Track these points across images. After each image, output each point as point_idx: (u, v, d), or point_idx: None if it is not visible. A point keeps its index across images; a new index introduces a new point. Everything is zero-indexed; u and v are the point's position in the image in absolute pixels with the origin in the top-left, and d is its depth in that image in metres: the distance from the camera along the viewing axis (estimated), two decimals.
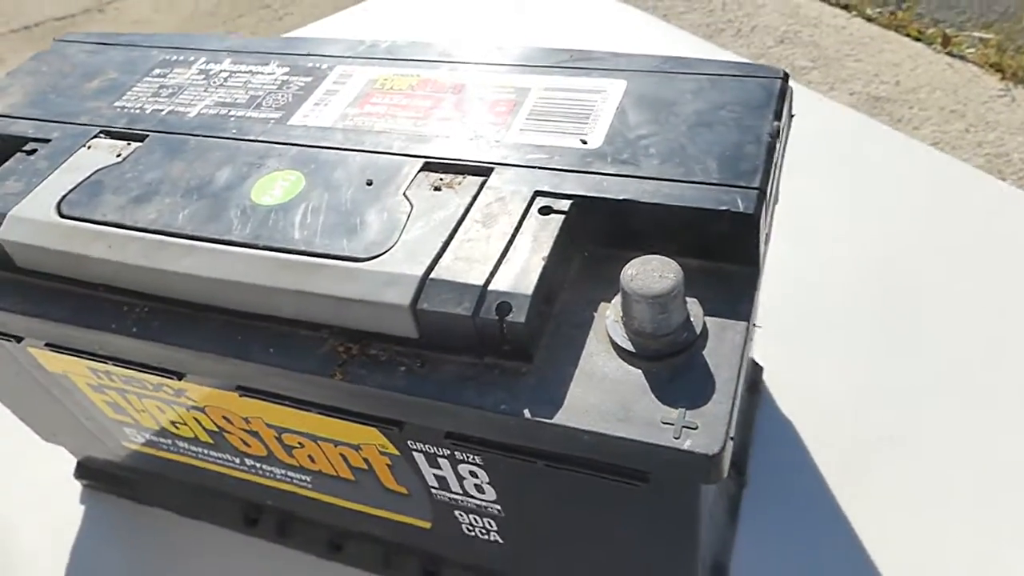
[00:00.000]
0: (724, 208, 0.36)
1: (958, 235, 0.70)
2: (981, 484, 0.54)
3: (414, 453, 0.40)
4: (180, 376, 0.42)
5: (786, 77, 0.42)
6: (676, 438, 0.31)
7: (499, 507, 0.42)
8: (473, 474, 0.40)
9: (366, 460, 0.43)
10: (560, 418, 0.33)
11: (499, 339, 0.34)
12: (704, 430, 0.31)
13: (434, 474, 0.41)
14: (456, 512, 0.44)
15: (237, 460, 0.50)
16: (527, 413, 0.33)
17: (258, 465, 0.50)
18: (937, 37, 1.71)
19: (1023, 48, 1.64)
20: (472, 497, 0.42)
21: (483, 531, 0.45)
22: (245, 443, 0.48)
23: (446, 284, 0.35)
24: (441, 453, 0.39)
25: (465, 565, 0.52)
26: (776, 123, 0.40)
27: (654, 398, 0.33)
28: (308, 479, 0.49)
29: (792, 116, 0.44)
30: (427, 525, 0.47)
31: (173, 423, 0.50)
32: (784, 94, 0.41)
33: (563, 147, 0.41)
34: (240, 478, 0.53)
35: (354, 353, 0.37)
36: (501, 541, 0.45)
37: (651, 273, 0.33)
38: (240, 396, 0.41)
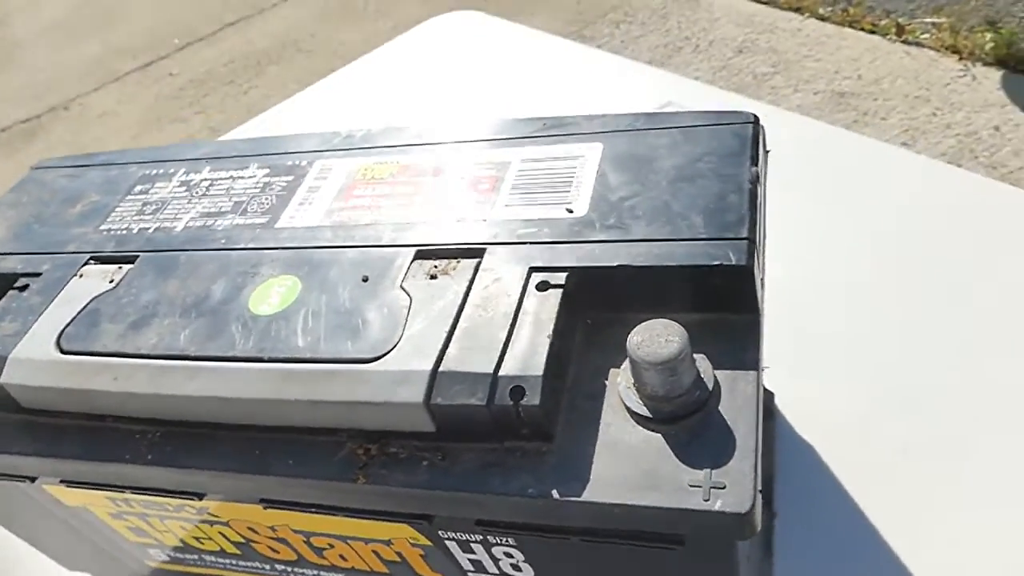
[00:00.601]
0: (716, 263, 0.36)
1: (946, 235, 0.71)
2: (996, 482, 0.54)
3: (446, 542, 0.40)
4: (200, 497, 0.42)
5: (756, 120, 0.43)
6: (706, 500, 0.31)
7: None
8: (508, 555, 0.40)
9: (399, 553, 0.43)
10: (588, 495, 0.33)
11: (517, 423, 0.34)
12: (732, 488, 0.31)
13: (468, 559, 0.41)
14: None
15: (267, 567, 0.50)
16: (555, 494, 0.33)
17: (289, 569, 0.49)
18: (891, 28, 1.75)
19: (975, 28, 1.67)
20: None
21: None
22: (274, 550, 0.47)
23: (456, 376, 0.35)
24: (474, 539, 0.39)
25: None
26: (754, 168, 0.41)
27: (678, 462, 0.33)
28: None
29: (767, 152, 0.45)
30: None
31: (197, 539, 0.49)
32: (757, 137, 0.42)
33: (550, 218, 0.41)
34: None
35: (373, 454, 0.37)
36: None
37: (656, 339, 0.33)
38: (264, 509, 0.41)
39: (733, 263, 0.36)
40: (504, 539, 0.38)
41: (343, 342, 0.38)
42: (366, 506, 0.38)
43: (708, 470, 0.32)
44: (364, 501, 0.38)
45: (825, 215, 0.76)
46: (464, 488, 0.35)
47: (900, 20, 1.82)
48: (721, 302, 0.37)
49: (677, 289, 0.38)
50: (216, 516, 0.46)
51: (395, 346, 0.37)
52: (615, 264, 0.38)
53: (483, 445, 0.36)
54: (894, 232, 0.73)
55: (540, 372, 0.34)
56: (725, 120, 0.43)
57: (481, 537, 0.39)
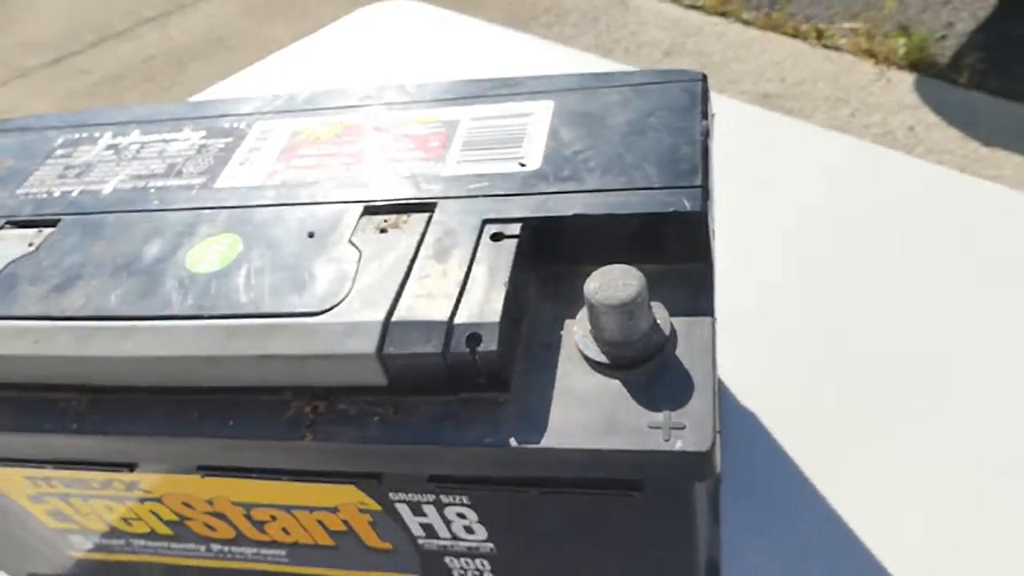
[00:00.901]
0: (672, 210, 0.36)
1: (888, 211, 0.74)
2: (939, 450, 0.56)
3: (396, 505, 0.39)
4: (132, 467, 0.39)
5: (705, 78, 0.43)
6: (666, 440, 0.31)
7: (491, 545, 0.41)
8: (461, 515, 0.39)
9: (345, 522, 0.41)
10: (548, 441, 0.32)
11: (473, 372, 0.34)
12: (691, 428, 0.31)
13: (420, 523, 0.40)
14: (446, 559, 0.43)
15: (202, 548, 0.47)
16: (513, 442, 0.32)
17: (226, 549, 0.47)
18: (811, 32, 1.82)
19: (890, 33, 1.76)
20: (462, 540, 0.41)
21: (476, 573, 0.43)
22: (210, 527, 0.45)
23: (410, 325, 0.34)
24: (426, 500, 0.38)
25: None
26: (704, 122, 0.41)
27: (637, 405, 0.33)
28: (283, 553, 0.46)
29: (713, 115, 0.45)
30: None
31: (125, 520, 0.46)
32: (706, 94, 0.43)
33: (503, 173, 0.41)
34: (207, 567, 0.49)
35: (321, 412, 0.35)
36: None
37: (614, 282, 0.33)
38: (202, 477, 0.39)
39: (688, 209, 0.36)
40: (458, 498, 0.37)
41: (289, 296, 0.37)
42: (313, 466, 0.36)
43: (667, 412, 0.32)
44: (311, 461, 0.36)
45: (763, 195, 0.78)
46: (417, 441, 0.33)
47: (819, 26, 1.90)
48: (675, 251, 0.37)
49: (632, 239, 0.37)
50: (148, 492, 0.43)
51: (345, 298, 0.36)
52: (570, 214, 0.37)
53: (438, 398, 0.35)
54: (833, 209, 0.75)
55: (497, 318, 0.33)
56: (673, 78, 0.43)
57: (434, 497, 0.38)
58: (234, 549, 0.47)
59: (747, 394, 0.61)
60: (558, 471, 0.33)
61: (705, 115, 0.42)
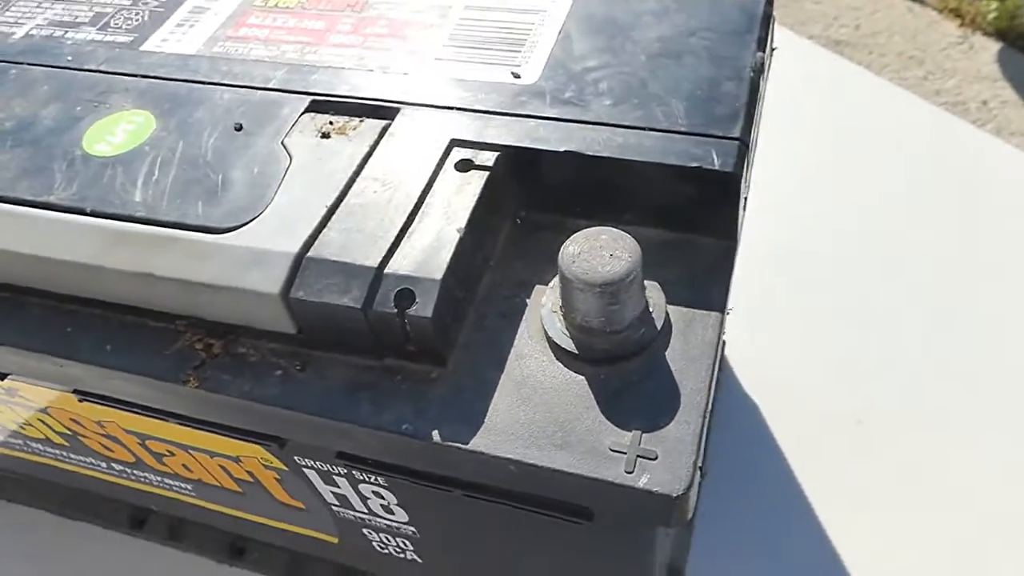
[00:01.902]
0: (695, 164, 0.28)
1: (942, 197, 0.64)
2: (954, 471, 0.48)
3: (304, 470, 0.32)
4: (2, 376, 0.33)
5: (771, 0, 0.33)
6: (628, 472, 0.24)
7: (413, 529, 0.34)
8: (378, 495, 0.32)
9: (250, 473, 0.35)
10: (478, 443, 0.25)
11: (400, 337, 0.26)
12: (665, 460, 0.24)
13: (331, 492, 0.33)
14: (364, 530, 0.37)
15: (103, 464, 0.42)
16: (436, 435, 0.25)
17: (128, 471, 0.41)
18: None
19: None
20: (380, 517, 0.34)
21: (398, 550, 0.37)
22: (106, 448, 0.39)
23: (329, 265, 0.26)
24: (336, 471, 0.31)
25: None
26: (760, 54, 0.32)
27: (601, 415, 0.25)
28: (189, 487, 0.40)
29: (774, 50, 0.36)
30: (334, 540, 0.40)
31: (19, 424, 0.41)
32: (768, 19, 0.33)
33: (490, 82, 0.32)
34: (112, 482, 0.44)
35: (216, 352, 0.28)
36: (420, 561, 0.38)
37: (599, 252, 0.25)
38: (79, 401, 0.32)
39: (716, 168, 0.28)
40: (373, 477, 0.30)
41: (192, 203, 0.29)
42: (199, 415, 0.29)
43: (638, 432, 0.24)
44: (197, 409, 0.29)
45: (811, 153, 0.68)
46: (323, 412, 0.26)
47: None
48: (692, 218, 0.29)
49: (638, 193, 0.29)
50: (30, 401, 0.37)
51: (257, 216, 0.28)
52: (562, 149, 0.29)
53: (356, 359, 0.27)
54: (888, 181, 0.65)
55: (439, 275, 0.26)
56: None
57: (346, 471, 0.31)
58: (137, 472, 0.41)
59: (755, 384, 0.53)
60: (487, 479, 0.26)
61: (763, 45, 0.32)
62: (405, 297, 0.25)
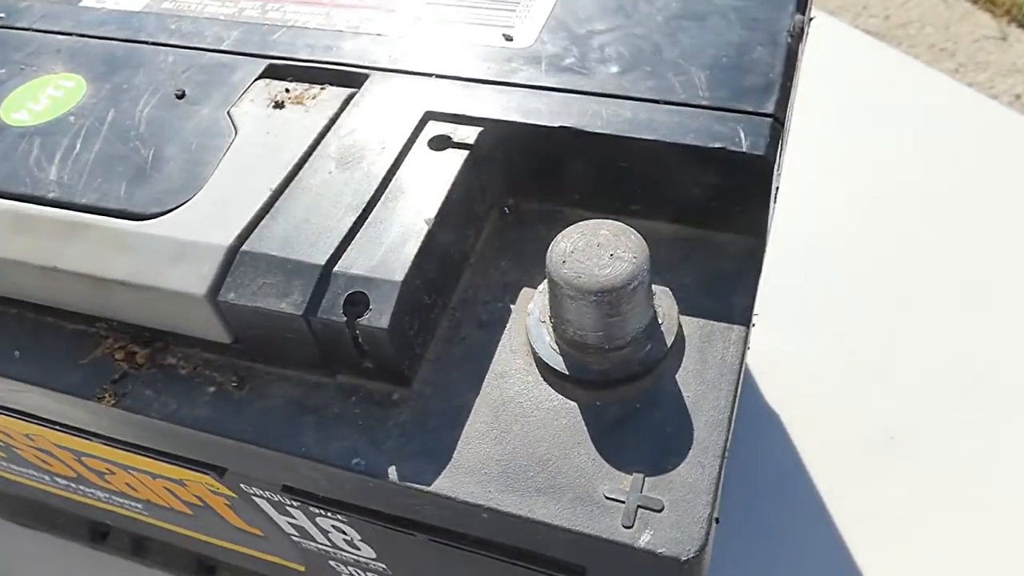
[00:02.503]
0: (719, 145, 0.23)
1: (985, 190, 0.58)
2: (990, 494, 0.43)
3: (254, 498, 0.28)
4: None
5: None
6: (627, 527, 0.19)
7: (383, 566, 0.30)
8: (339, 529, 0.27)
9: (198, 497, 0.31)
10: (443, 484, 0.20)
11: (353, 351, 0.21)
12: (673, 513, 0.19)
13: (288, 522, 0.29)
14: (331, 562, 0.32)
15: (47, 478, 0.37)
16: (392, 473, 0.20)
17: (73, 485, 0.37)
18: None
19: None
20: (345, 551, 0.30)
21: None
22: (44, 462, 0.35)
23: (267, 261, 0.22)
24: (288, 503, 0.27)
25: None
26: (799, 16, 0.27)
27: (595, 452, 0.20)
28: (140, 506, 0.36)
29: (812, 18, 0.30)
30: (301, 568, 0.35)
31: None
32: None
33: (476, 46, 0.27)
34: (61, 495, 0.40)
35: (140, 362, 0.24)
36: None
37: (596, 250, 0.20)
38: None
39: (744, 150, 0.22)
40: (328, 512, 0.26)
41: (115, 183, 0.24)
42: (122, 437, 0.25)
43: (640, 475, 0.20)
44: (118, 430, 0.25)
45: (841, 144, 0.62)
46: (260, 441, 0.22)
47: None
48: (712, 211, 0.24)
49: (648, 179, 0.24)
50: None
51: (188, 200, 0.23)
52: (557, 124, 0.24)
53: (304, 375, 0.23)
54: (923, 169, 0.60)
55: (400, 275, 0.21)
56: None
57: (297, 502, 0.26)
58: (83, 488, 0.37)
59: (777, 393, 0.48)
60: (456, 526, 0.21)
61: (802, 7, 0.27)
62: (356, 302, 0.21)
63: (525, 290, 0.24)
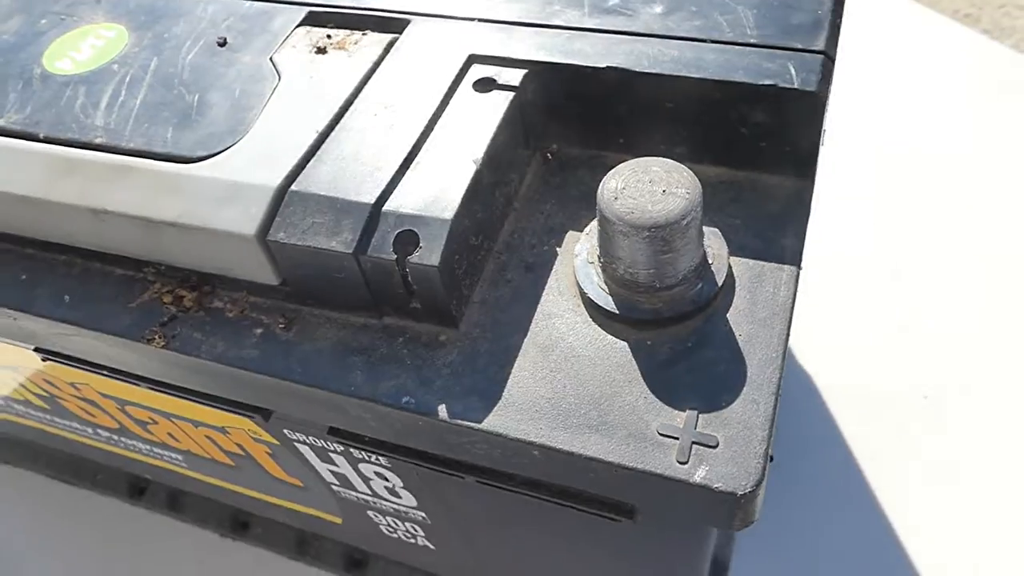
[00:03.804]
0: (769, 83, 0.22)
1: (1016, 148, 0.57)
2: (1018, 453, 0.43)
3: (297, 445, 0.28)
4: None
5: None
6: (681, 463, 0.19)
7: (423, 515, 0.30)
8: (381, 475, 0.28)
9: (239, 445, 0.31)
10: (494, 422, 0.20)
11: (402, 291, 0.21)
12: (728, 449, 0.19)
13: (329, 470, 0.29)
14: (369, 512, 0.32)
15: (89, 430, 0.38)
16: (443, 411, 0.20)
17: (115, 438, 0.37)
18: None
19: None
20: (385, 500, 0.30)
21: (408, 535, 0.33)
22: (87, 412, 0.35)
23: (316, 201, 0.22)
24: (332, 448, 0.27)
25: (393, 561, 0.41)
26: None
27: (647, 390, 0.20)
28: (180, 458, 0.36)
29: None
30: (338, 520, 0.36)
31: None
32: None
33: None
34: (103, 449, 0.40)
35: (188, 305, 0.24)
36: (432, 548, 0.34)
37: (649, 186, 0.20)
38: (43, 360, 0.28)
39: (796, 86, 0.22)
40: (373, 456, 0.26)
41: (161, 128, 0.24)
42: (169, 380, 0.25)
43: (694, 413, 0.19)
44: (165, 373, 0.25)
45: (879, 102, 0.61)
46: (309, 381, 0.22)
47: None
48: (761, 152, 0.24)
49: (695, 120, 0.24)
50: None
51: (235, 144, 0.23)
52: (603, 65, 0.24)
53: (350, 317, 0.23)
54: (961, 129, 0.58)
55: (450, 214, 0.21)
56: None
57: (343, 448, 0.26)
58: (125, 440, 0.37)
59: (809, 352, 0.47)
60: (506, 466, 0.21)
61: None
62: (407, 241, 0.21)
63: (571, 233, 0.24)
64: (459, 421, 0.20)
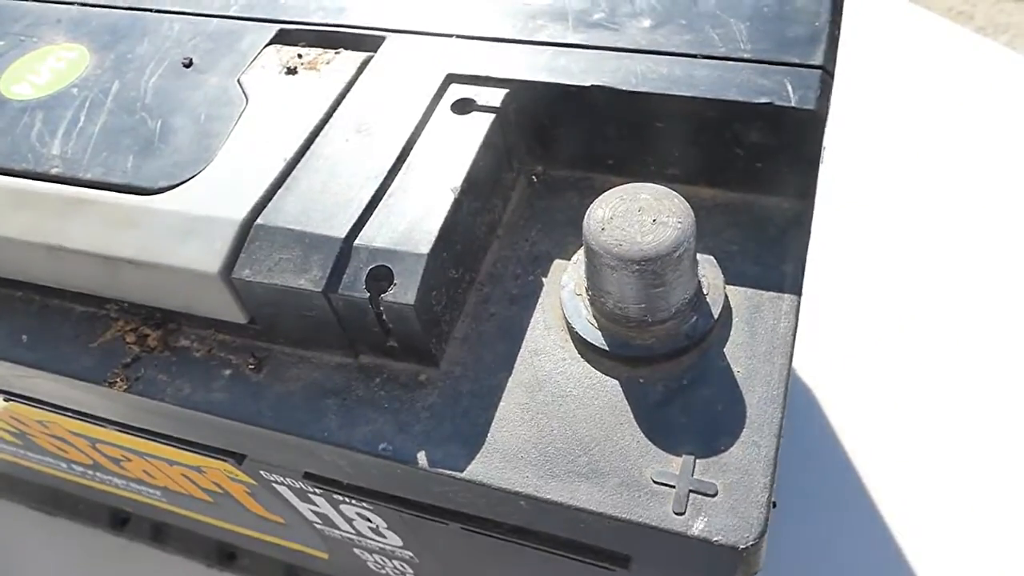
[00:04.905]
0: (765, 101, 0.21)
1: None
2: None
3: (275, 485, 0.27)
4: None
5: None
6: (678, 513, 0.17)
7: (410, 554, 0.29)
8: (363, 516, 0.26)
9: (216, 484, 0.30)
10: (477, 470, 0.19)
11: (377, 330, 0.20)
12: (728, 497, 0.18)
13: (310, 509, 0.28)
14: (355, 549, 0.31)
15: (64, 464, 0.37)
16: (422, 459, 0.19)
17: (91, 472, 0.36)
18: None
19: None
20: (370, 539, 0.29)
21: (396, 571, 0.32)
22: (60, 449, 0.34)
23: (283, 235, 0.20)
24: (311, 490, 0.26)
25: None
26: None
27: (640, 433, 0.19)
28: (158, 493, 0.35)
29: None
30: (324, 556, 0.34)
31: None
32: None
33: (497, 1, 0.25)
34: (78, 483, 0.39)
35: (152, 345, 0.23)
36: None
37: (638, 215, 0.18)
38: (4, 400, 0.27)
39: (793, 104, 0.21)
40: (352, 499, 0.25)
41: (121, 157, 0.23)
42: (134, 423, 0.24)
43: (690, 458, 0.18)
44: (130, 416, 0.23)
45: (876, 103, 0.60)
46: (280, 426, 0.20)
47: None
48: (757, 173, 0.22)
49: (688, 140, 0.22)
50: None
51: (198, 173, 0.22)
52: (589, 84, 0.22)
53: (324, 356, 0.21)
54: (965, 133, 0.57)
55: (426, 248, 0.19)
56: None
57: (320, 490, 0.25)
58: (100, 475, 0.36)
59: (809, 366, 0.46)
60: (491, 514, 0.20)
61: None
62: (380, 277, 0.19)
63: (557, 262, 0.22)
64: (439, 470, 0.19)
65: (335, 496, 0.25)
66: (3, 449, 0.39)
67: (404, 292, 0.19)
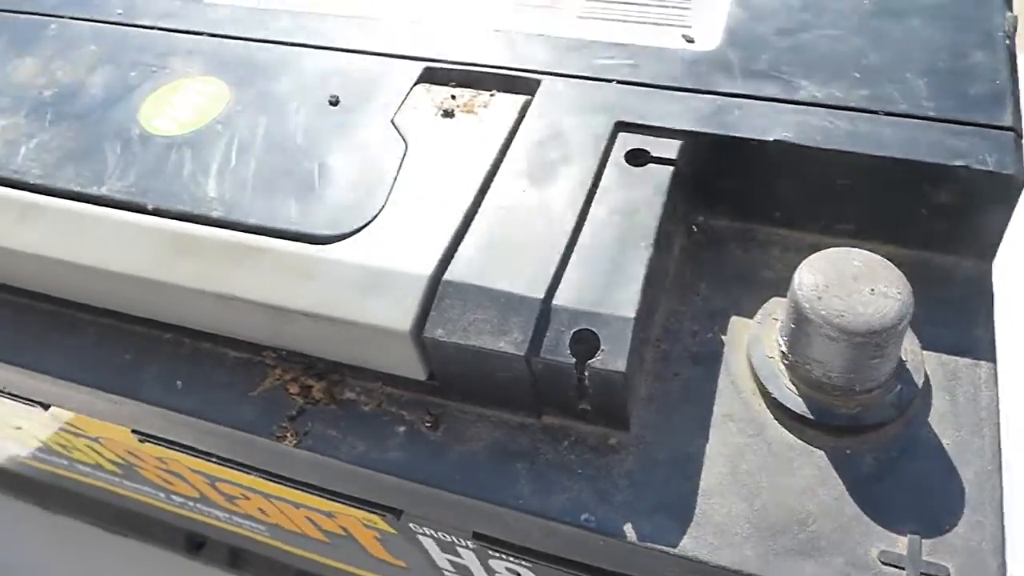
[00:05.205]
0: (960, 164, 0.20)
1: None
2: None
3: (419, 537, 0.26)
4: (45, 407, 0.27)
5: None
6: None
7: None
8: (513, 571, 0.26)
9: (344, 528, 0.29)
10: (691, 545, 0.18)
11: (573, 393, 0.19)
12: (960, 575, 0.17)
13: (450, 560, 0.27)
14: None
15: (162, 495, 0.36)
16: (630, 533, 0.19)
17: (190, 503, 0.35)
18: None
19: None
20: None
21: None
22: (168, 482, 0.33)
23: (475, 292, 0.20)
24: (463, 545, 0.25)
25: None
26: (1011, 14, 0.24)
27: (857, 509, 0.18)
28: (263, 528, 0.34)
29: (1015, 16, 0.28)
30: None
31: (63, 446, 0.35)
32: None
33: (656, 47, 0.25)
34: (170, 511, 0.38)
35: (316, 397, 0.22)
36: None
37: (852, 284, 0.18)
38: (140, 441, 0.26)
39: (992, 168, 0.20)
40: (513, 557, 0.24)
41: (282, 200, 0.22)
42: (295, 476, 0.23)
43: (916, 537, 0.18)
44: (293, 470, 0.23)
45: None
46: (468, 491, 0.20)
47: None
48: (940, 232, 0.22)
49: (868, 198, 0.22)
50: (79, 429, 0.31)
51: (371, 221, 0.21)
52: (771, 139, 0.22)
53: (504, 415, 0.21)
54: None
55: (632, 312, 0.19)
56: None
57: (476, 546, 0.25)
58: (201, 507, 0.35)
59: None
60: None
61: (1010, 3, 0.25)
62: (584, 340, 0.19)
63: (735, 319, 0.22)
64: (650, 544, 0.18)
65: (493, 553, 0.24)
66: (95, 475, 0.38)
67: (613, 359, 0.18)
